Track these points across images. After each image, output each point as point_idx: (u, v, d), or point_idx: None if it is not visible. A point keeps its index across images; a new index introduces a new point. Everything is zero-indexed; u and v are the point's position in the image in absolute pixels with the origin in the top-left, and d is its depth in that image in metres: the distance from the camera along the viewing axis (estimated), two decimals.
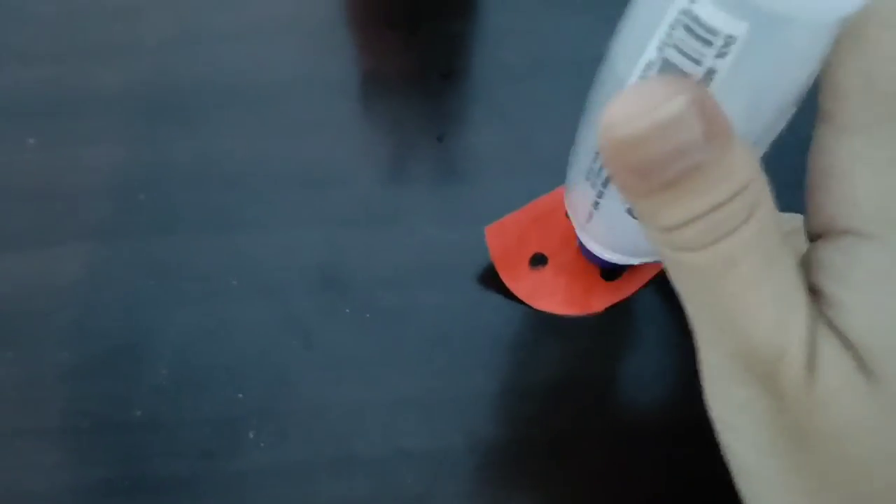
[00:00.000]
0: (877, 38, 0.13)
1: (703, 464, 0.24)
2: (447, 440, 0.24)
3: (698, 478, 0.24)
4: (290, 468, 0.24)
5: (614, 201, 0.18)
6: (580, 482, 0.24)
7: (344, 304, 0.26)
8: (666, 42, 0.13)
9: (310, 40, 0.30)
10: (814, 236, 0.16)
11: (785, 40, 0.13)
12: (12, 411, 0.24)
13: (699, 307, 0.15)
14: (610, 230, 0.20)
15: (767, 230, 0.14)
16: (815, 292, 0.15)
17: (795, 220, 0.18)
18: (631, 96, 0.13)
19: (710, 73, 0.13)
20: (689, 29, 0.13)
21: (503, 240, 0.26)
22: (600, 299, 0.26)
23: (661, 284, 0.26)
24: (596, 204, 0.18)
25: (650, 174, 0.13)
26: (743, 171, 0.13)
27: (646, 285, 0.26)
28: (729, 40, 0.13)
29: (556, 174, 0.25)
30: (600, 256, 0.22)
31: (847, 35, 0.14)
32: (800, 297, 0.14)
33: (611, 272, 0.26)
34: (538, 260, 0.26)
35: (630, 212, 0.18)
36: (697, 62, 0.13)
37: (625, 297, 0.26)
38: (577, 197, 0.20)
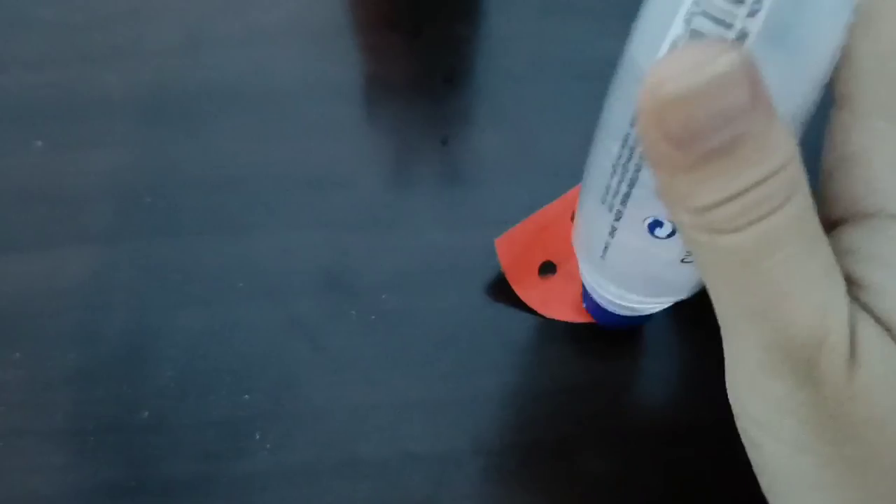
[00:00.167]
0: (890, 18, 0.13)
1: (709, 467, 0.24)
2: (453, 443, 0.24)
3: (704, 480, 0.24)
4: (295, 470, 0.24)
5: (633, 221, 0.17)
6: (586, 485, 0.24)
7: (349, 307, 0.26)
8: (693, 11, 0.13)
9: (314, 44, 0.30)
10: (832, 224, 0.15)
11: None
12: (19, 413, 0.24)
13: (734, 295, 0.14)
14: (628, 261, 0.19)
15: (809, 210, 0.13)
16: (845, 278, 0.14)
17: None
18: (681, 54, 0.12)
19: (742, 35, 0.13)
20: None
21: (512, 250, 0.26)
22: None
23: None
24: (612, 231, 0.18)
25: (691, 143, 0.12)
26: (786, 145, 0.13)
27: None
28: None
29: (559, 176, 0.25)
30: (616, 302, 0.21)
31: (861, 18, 0.13)
32: (839, 282, 0.14)
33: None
34: (547, 268, 0.26)
35: (652, 231, 0.17)
36: (728, 25, 0.13)
37: None
38: (591, 229, 0.19)
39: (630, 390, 0.25)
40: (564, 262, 0.26)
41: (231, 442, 0.24)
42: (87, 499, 0.23)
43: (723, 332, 0.15)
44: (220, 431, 0.24)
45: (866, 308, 0.14)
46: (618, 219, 0.17)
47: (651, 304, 0.21)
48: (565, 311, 0.26)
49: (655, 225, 0.17)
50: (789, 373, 0.14)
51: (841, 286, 0.14)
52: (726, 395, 0.16)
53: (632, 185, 0.16)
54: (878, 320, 0.14)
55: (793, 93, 0.14)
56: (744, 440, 0.16)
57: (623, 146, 0.16)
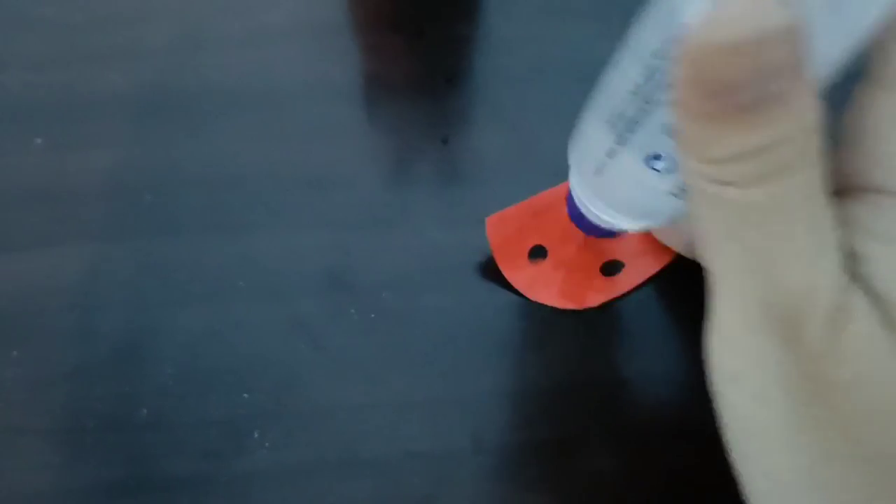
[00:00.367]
0: None
1: (710, 465, 0.24)
2: (453, 442, 0.24)
3: (706, 478, 0.24)
4: (295, 469, 0.24)
5: (634, 150, 0.17)
6: (587, 484, 0.24)
7: (349, 306, 0.26)
8: None
9: (315, 44, 0.30)
10: (836, 193, 0.15)
11: None
12: (17, 411, 0.24)
13: (729, 248, 0.14)
14: (620, 184, 0.19)
15: (818, 178, 0.13)
16: (842, 247, 0.15)
17: None
18: (734, 4, 0.12)
19: None
20: None
21: (503, 231, 0.26)
22: (597, 295, 0.26)
23: (664, 287, 0.26)
24: (612, 152, 0.18)
25: (726, 94, 0.12)
26: (812, 111, 0.13)
27: (643, 284, 0.26)
28: None
29: (558, 176, 0.25)
30: (598, 215, 0.21)
31: None
32: (835, 249, 0.14)
33: (610, 266, 0.26)
34: (537, 252, 0.26)
35: (650, 162, 0.17)
36: None
37: (621, 294, 0.26)
38: (589, 144, 0.19)
39: (630, 389, 0.25)
40: (556, 249, 0.26)
41: (230, 441, 0.24)
42: (85, 497, 0.23)
43: (712, 286, 0.15)
44: (220, 430, 0.24)
45: (859, 279, 0.14)
46: (620, 143, 0.17)
47: (633, 225, 0.21)
48: (551, 296, 0.26)
49: (655, 158, 0.17)
50: (772, 330, 0.14)
51: (836, 254, 0.14)
52: None
53: (644, 115, 0.16)
54: (868, 291, 0.14)
55: (827, 57, 0.14)
56: (716, 400, 0.16)
57: (647, 78, 0.16)
